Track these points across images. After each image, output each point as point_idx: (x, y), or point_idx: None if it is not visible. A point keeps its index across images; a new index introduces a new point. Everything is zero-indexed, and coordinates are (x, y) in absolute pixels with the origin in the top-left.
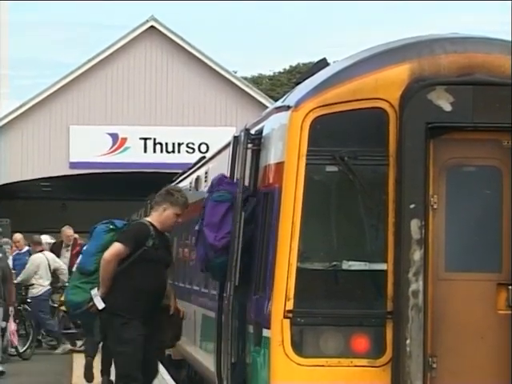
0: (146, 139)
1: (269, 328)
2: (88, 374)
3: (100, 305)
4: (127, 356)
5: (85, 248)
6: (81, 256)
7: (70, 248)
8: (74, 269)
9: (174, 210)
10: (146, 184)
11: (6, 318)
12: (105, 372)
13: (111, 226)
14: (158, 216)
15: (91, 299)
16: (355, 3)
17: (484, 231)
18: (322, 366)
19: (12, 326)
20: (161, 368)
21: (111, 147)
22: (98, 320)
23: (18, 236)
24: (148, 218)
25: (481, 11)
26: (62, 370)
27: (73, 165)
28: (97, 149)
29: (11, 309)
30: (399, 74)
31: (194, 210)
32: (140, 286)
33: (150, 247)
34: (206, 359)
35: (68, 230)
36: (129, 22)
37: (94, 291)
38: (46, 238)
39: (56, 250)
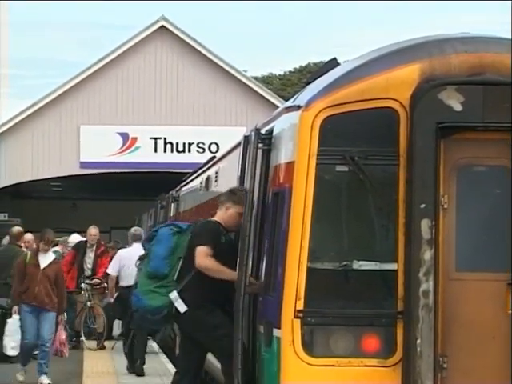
0: (156, 139)
1: (279, 328)
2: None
3: (182, 307)
4: (227, 337)
5: (153, 251)
6: (147, 259)
7: (94, 248)
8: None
9: (237, 208)
10: (157, 184)
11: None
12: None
13: (176, 229)
14: (223, 215)
15: (171, 303)
16: (355, 3)
17: (494, 231)
18: (333, 365)
19: (62, 335)
20: (170, 366)
21: (121, 147)
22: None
23: (28, 236)
24: (214, 218)
25: (481, 11)
26: (73, 369)
27: (83, 165)
28: (107, 148)
29: (60, 317)
30: (410, 74)
31: (204, 209)
32: (217, 280)
33: (223, 243)
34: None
35: (93, 230)
36: (129, 22)
37: (174, 294)
38: (76, 237)
39: (80, 249)
